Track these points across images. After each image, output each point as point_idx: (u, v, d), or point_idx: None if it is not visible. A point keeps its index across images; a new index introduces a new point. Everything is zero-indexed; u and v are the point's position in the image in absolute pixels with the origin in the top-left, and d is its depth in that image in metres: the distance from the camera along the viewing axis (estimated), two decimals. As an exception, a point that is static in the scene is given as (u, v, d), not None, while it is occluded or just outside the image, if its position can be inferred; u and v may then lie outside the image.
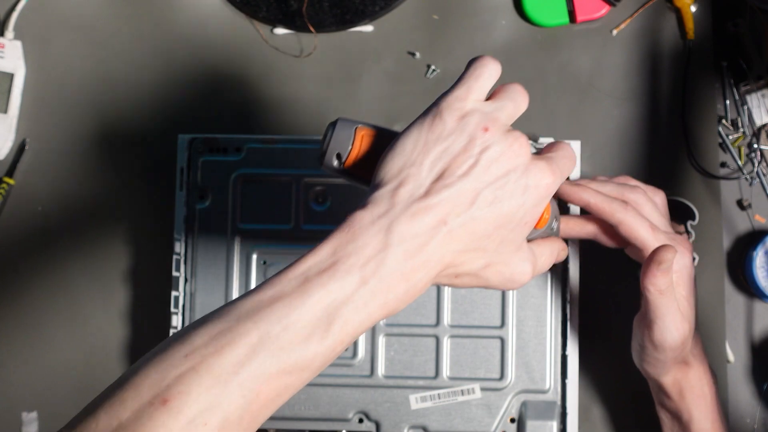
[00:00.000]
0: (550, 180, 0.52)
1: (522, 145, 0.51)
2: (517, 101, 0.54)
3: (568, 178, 0.73)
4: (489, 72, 0.54)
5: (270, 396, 0.46)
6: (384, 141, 0.53)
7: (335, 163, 0.54)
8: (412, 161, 0.50)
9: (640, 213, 0.66)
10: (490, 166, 0.50)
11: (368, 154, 0.53)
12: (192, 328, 0.47)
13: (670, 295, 0.64)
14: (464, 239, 0.50)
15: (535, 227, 0.55)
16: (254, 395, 0.45)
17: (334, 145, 0.54)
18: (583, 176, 0.76)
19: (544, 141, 0.74)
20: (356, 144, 0.54)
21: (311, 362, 0.47)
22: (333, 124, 0.54)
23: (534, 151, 0.73)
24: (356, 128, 0.54)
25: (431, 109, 0.52)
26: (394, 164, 0.51)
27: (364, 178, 0.54)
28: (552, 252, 0.58)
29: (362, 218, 0.49)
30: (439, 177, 0.50)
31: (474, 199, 0.50)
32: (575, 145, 0.73)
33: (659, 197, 0.71)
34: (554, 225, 0.60)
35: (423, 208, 0.49)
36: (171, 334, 0.73)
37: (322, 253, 0.48)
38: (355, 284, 0.47)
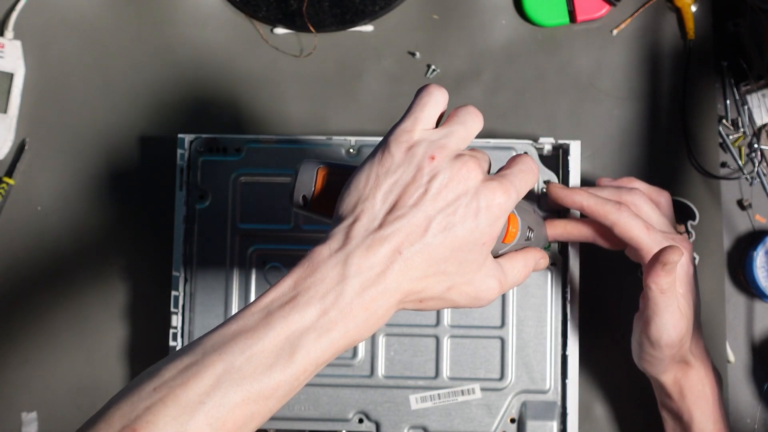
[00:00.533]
0: (502, 199, 0.53)
1: (470, 169, 0.52)
2: (467, 124, 0.54)
3: (567, 183, 0.73)
4: (435, 100, 0.54)
5: (237, 424, 0.48)
6: (344, 178, 0.55)
7: (302, 203, 0.56)
8: (366, 196, 0.52)
9: (636, 213, 0.67)
10: (439, 193, 0.51)
11: (330, 192, 0.56)
12: (163, 363, 0.49)
13: (671, 294, 0.65)
14: (421, 266, 0.51)
15: (503, 242, 0.56)
16: (220, 424, 0.47)
17: (299, 188, 0.56)
18: (583, 176, 0.76)
19: (545, 141, 0.73)
20: (318, 184, 0.56)
21: (275, 390, 0.49)
22: (298, 167, 0.57)
23: (533, 151, 0.73)
24: (318, 169, 0.56)
25: (381, 143, 0.54)
26: (350, 200, 0.52)
27: (329, 214, 0.56)
28: (526, 264, 0.59)
29: (321, 252, 0.51)
30: (392, 209, 0.51)
31: (427, 226, 0.51)
32: (575, 145, 0.73)
33: (664, 197, 0.71)
34: (529, 235, 0.60)
35: (377, 239, 0.50)
36: (171, 334, 0.73)
37: (284, 287, 0.50)
38: (316, 315, 0.49)
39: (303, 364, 0.49)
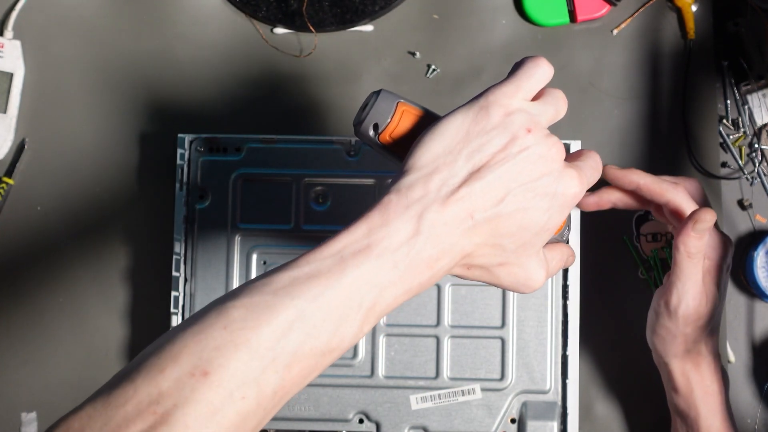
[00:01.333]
0: (578, 189, 0.52)
1: (559, 151, 0.52)
2: (558, 107, 0.54)
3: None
4: (541, 73, 0.54)
5: (302, 373, 0.47)
6: (424, 122, 0.53)
7: (371, 132, 0.54)
8: (451, 149, 0.51)
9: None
10: (525, 167, 0.51)
11: (406, 132, 0.53)
12: (228, 299, 0.47)
13: (698, 263, 0.66)
14: (486, 233, 0.50)
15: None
16: (287, 371, 0.46)
17: (373, 114, 0.53)
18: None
19: (545, 141, 0.73)
20: (395, 118, 0.53)
21: (341, 342, 0.48)
22: (376, 93, 0.54)
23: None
24: (398, 102, 0.54)
25: (478, 100, 0.52)
26: (432, 148, 0.51)
27: (397, 153, 0.54)
28: (562, 257, 0.59)
29: (396, 203, 0.49)
30: (475, 170, 0.50)
31: (504, 196, 0.50)
32: (575, 145, 0.73)
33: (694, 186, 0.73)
34: (566, 232, 0.60)
35: (454, 199, 0.49)
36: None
37: (357, 233, 0.49)
38: (387, 268, 0.48)
39: (368, 318, 0.48)
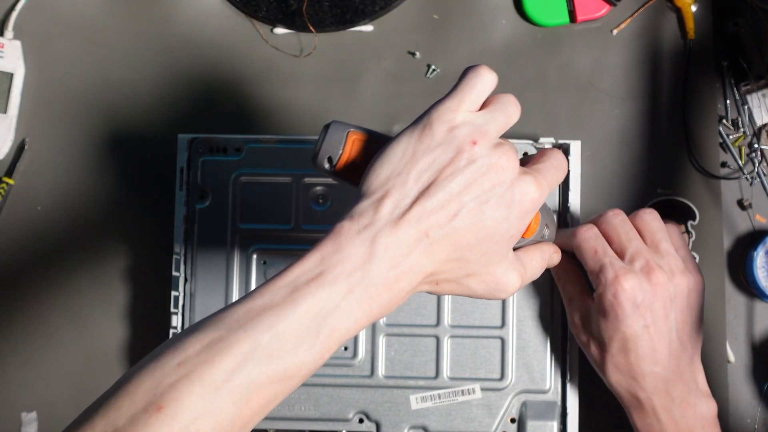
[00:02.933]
0: (536, 195, 0.52)
1: (509, 159, 0.52)
2: (508, 113, 0.54)
3: (567, 183, 0.73)
4: (484, 82, 0.54)
5: (260, 403, 0.47)
6: (375, 146, 0.54)
7: (327, 166, 0.55)
8: (399, 171, 0.51)
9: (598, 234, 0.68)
10: (475, 180, 0.51)
11: (358, 159, 0.54)
12: (185, 335, 0.48)
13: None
14: (446, 249, 0.51)
15: (522, 236, 0.55)
16: (245, 402, 0.47)
17: (325, 148, 0.55)
18: (583, 176, 0.76)
19: (545, 141, 0.73)
20: (347, 148, 0.54)
21: (299, 370, 0.48)
22: (327, 127, 0.55)
23: (534, 151, 0.73)
24: (348, 132, 0.55)
25: (422, 118, 0.52)
26: (381, 173, 0.51)
27: (353, 181, 0.54)
28: (543, 257, 0.59)
29: (349, 228, 0.50)
30: (425, 188, 0.50)
31: (457, 212, 0.50)
32: (575, 145, 0.73)
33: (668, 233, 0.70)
34: (545, 232, 0.60)
35: (406, 220, 0.50)
36: (171, 334, 0.73)
37: (310, 262, 0.49)
38: (342, 293, 0.49)
39: (327, 343, 0.49)
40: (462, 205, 0.50)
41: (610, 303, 0.65)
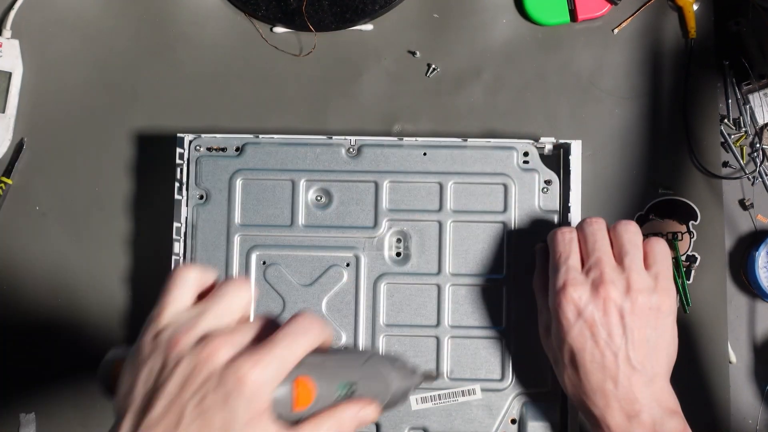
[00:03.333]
0: (254, 375, 0.49)
1: (214, 349, 0.49)
2: (226, 298, 0.52)
3: (568, 183, 0.72)
4: (183, 280, 0.53)
5: None
6: None
7: (103, 391, 0.55)
8: (127, 391, 0.51)
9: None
10: (186, 381, 0.49)
11: None
12: None
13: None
14: None
15: (294, 409, 0.51)
16: None
17: (99, 376, 0.56)
18: (583, 176, 0.76)
19: (545, 140, 0.73)
20: (113, 377, 0.54)
21: None
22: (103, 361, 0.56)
23: (534, 151, 0.73)
24: (116, 361, 0.55)
25: (138, 339, 0.53)
26: (118, 395, 0.52)
27: None
28: (337, 422, 0.53)
29: None
30: (150, 401, 0.50)
31: (179, 418, 0.49)
32: (576, 145, 0.73)
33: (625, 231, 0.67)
34: (352, 389, 0.54)
35: None
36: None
37: None
38: None
39: None
40: (183, 405, 0.49)
41: (554, 311, 0.64)
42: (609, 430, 0.63)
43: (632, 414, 0.62)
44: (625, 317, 0.63)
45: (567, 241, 0.66)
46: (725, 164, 0.79)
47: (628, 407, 0.62)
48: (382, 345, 0.73)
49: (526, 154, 0.73)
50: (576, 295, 0.63)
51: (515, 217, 0.73)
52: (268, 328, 0.52)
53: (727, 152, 0.79)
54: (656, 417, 0.62)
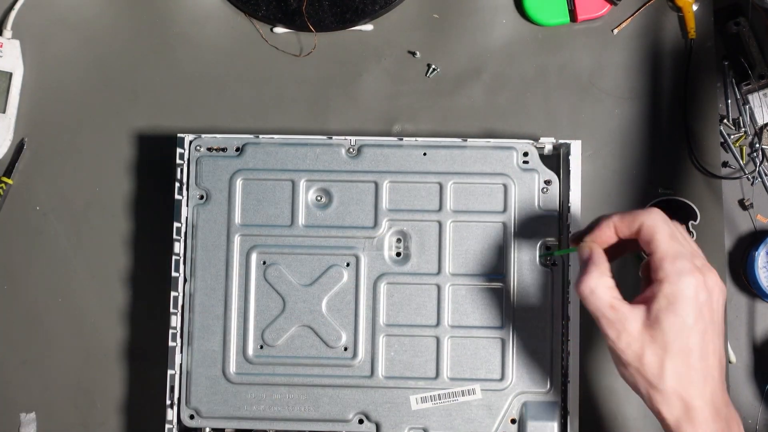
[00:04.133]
0: None
1: None
2: None
3: (567, 183, 0.72)
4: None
5: None
6: None
7: None
8: None
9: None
10: None
11: None
12: None
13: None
14: None
15: None
16: None
17: None
18: (583, 176, 0.76)
19: (545, 141, 0.73)
20: None
21: None
22: None
23: (534, 151, 0.73)
24: None
25: None
26: None
27: None
28: None
29: None
30: None
31: None
32: (576, 145, 0.73)
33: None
34: None
35: None
36: (170, 334, 0.73)
37: None
38: None
39: None
40: None
41: (679, 295, 0.59)
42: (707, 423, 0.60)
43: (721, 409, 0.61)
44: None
45: (668, 221, 0.62)
46: (725, 164, 0.79)
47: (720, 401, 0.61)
48: (382, 345, 0.73)
49: (525, 154, 0.73)
50: (711, 280, 0.60)
51: (515, 217, 0.73)
52: None
53: (727, 152, 0.79)
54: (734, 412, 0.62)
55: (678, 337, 0.59)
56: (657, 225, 0.61)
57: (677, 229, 0.62)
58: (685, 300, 0.59)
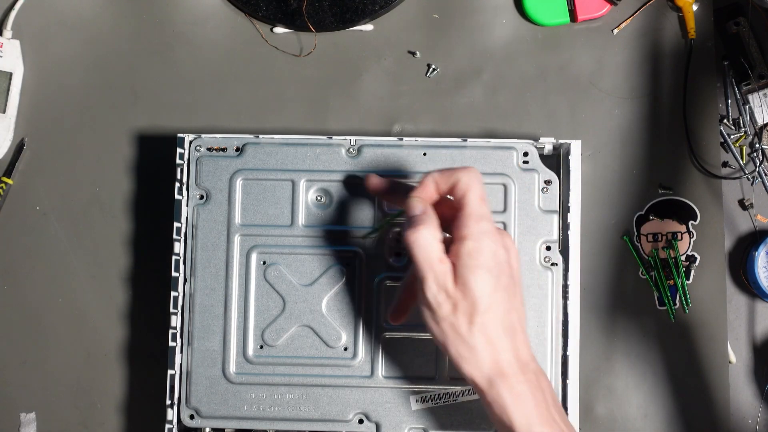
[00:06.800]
0: None
1: None
2: None
3: (567, 183, 0.72)
4: None
5: None
6: None
7: None
8: None
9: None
10: None
11: None
12: None
13: None
14: None
15: None
16: None
17: None
18: (583, 176, 0.76)
19: (545, 140, 0.73)
20: None
21: None
22: None
23: (534, 151, 0.73)
24: None
25: None
26: None
27: None
28: None
29: None
30: None
31: None
32: (576, 145, 0.73)
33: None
34: None
35: None
36: (170, 334, 0.73)
37: None
38: None
39: None
40: None
41: (482, 252, 0.61)
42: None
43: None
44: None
45: (481, 182, 0.64)
46: (725, 164, 0.79)
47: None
48: (382, 345, 0.73)
49: (525, 154, 0.73)
50: (509, 241, 0.64)
51: (515, 217, 0.73)
52: None
53: (727, 152, 0.79)
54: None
55: (484, 293, 0.61)
56: (472, 184, 0.63)
57: (485, 193, 0.64)
58: (488, 258, 0.61)
